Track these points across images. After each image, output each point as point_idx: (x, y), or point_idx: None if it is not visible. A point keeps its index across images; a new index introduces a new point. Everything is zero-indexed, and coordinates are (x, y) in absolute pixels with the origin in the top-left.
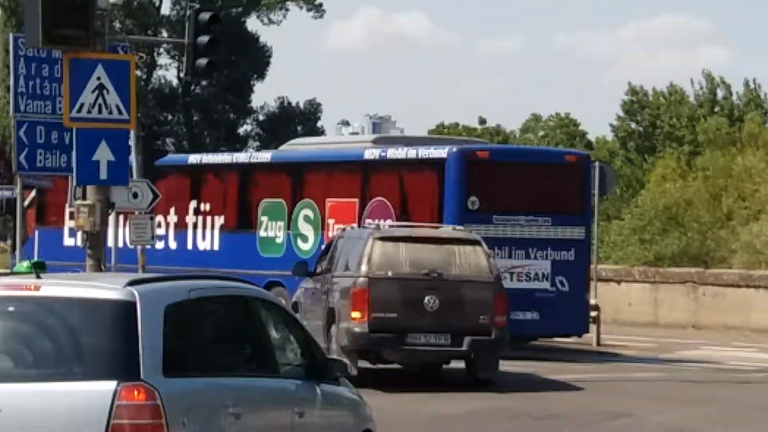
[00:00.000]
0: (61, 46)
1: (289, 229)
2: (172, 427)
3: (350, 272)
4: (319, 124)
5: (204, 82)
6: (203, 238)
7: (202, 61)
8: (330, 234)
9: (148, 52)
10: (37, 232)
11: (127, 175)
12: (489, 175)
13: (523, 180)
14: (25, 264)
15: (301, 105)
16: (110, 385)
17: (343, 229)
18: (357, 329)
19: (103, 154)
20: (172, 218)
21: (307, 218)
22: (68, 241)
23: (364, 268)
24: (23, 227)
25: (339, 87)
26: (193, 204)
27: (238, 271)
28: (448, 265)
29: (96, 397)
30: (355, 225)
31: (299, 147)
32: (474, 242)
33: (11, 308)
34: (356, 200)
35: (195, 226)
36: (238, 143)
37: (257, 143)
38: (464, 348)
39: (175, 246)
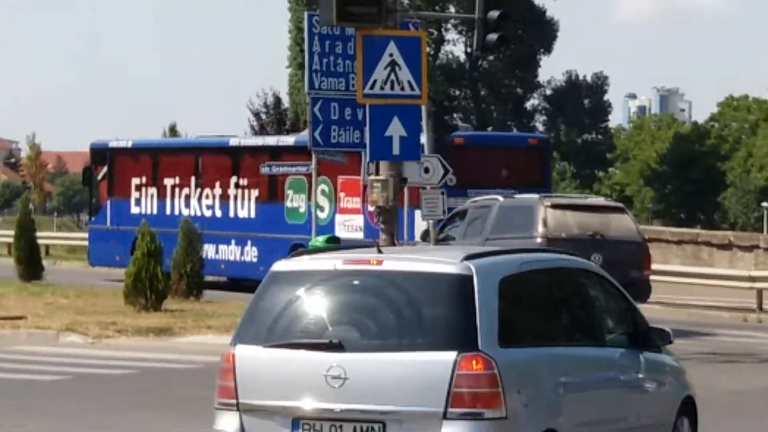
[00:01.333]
0: (355, 23)
1: (309, 200)
2: (508, 396)
3: (520, 234)
4: (605, 97)
5: (491, 57)
6: (242, 207)
7: (493, 36)
8: (341, 205)
9: (436, 27)
10: (108, 202)
11: (419, 150)
12: (464, 156)
13: (493, 160)
14: (321, 239)
15: (588, 78)
16: (450, 356)
17: (474, 201)
18: None
19: (396, 129)
20: (217, 191)
21: (323, 192)
22: (134, 210)
23: (541, 229)
24: (314, 207)
25: (626, 60)
26: (234, 179)
27: (269, 235)
28: (607, 229)
29: (437, 366)
30: (499, 197)
31: None
32: (621, 210)
33: (356, 282)
34: (360, 177)
35: (236, 198)
36: (525, 118)
37: (544, 117)
38: None
39: (220, 214)
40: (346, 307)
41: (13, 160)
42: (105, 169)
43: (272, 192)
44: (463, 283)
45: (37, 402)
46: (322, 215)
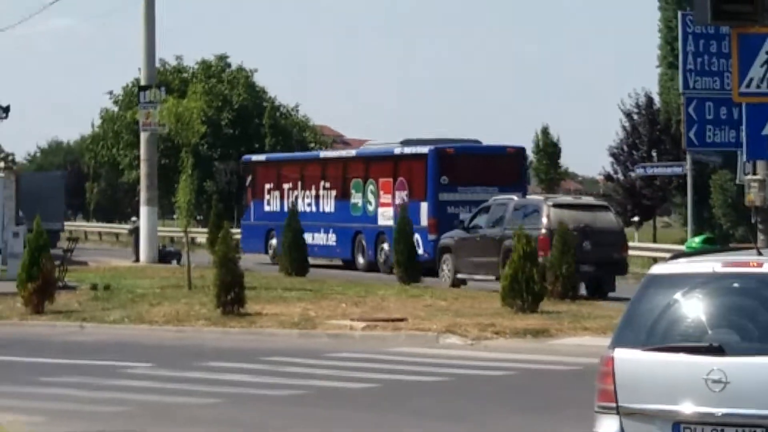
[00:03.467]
0: (729, 21)
1: (363, 198)
2: None
3: (530, 226)
4: None
5: None
6: (327, 204)
7: None
8: (381, 200)
9: None
10: (252, 203)
11: None
12: (454, 162)
13: (478, 165)
14: (697, 240)
15: None
16: None
17: (495, 198)
18: (541, 262)
19: None
20: (312, 192)
21: (371, 191)
22: (267, 208)
23: (545, 221)
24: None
25: None
26: (322, 183)
27: (341, 224)
28: (594, 221)
29: None
30: (513, 196)
31: (369, 146)
32: (605, 207)
33: (736, 284)
34: (391, 179)
35: (324, 197)
36: None
37: None
38: (602, 272)
39: (316, 209)
40: (725, 310)
41: None
42: (249, 177)
43: (345, 192)
44: None
45: (419, 402)
46: (371, 208)
